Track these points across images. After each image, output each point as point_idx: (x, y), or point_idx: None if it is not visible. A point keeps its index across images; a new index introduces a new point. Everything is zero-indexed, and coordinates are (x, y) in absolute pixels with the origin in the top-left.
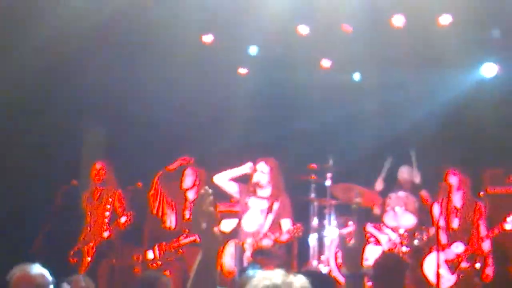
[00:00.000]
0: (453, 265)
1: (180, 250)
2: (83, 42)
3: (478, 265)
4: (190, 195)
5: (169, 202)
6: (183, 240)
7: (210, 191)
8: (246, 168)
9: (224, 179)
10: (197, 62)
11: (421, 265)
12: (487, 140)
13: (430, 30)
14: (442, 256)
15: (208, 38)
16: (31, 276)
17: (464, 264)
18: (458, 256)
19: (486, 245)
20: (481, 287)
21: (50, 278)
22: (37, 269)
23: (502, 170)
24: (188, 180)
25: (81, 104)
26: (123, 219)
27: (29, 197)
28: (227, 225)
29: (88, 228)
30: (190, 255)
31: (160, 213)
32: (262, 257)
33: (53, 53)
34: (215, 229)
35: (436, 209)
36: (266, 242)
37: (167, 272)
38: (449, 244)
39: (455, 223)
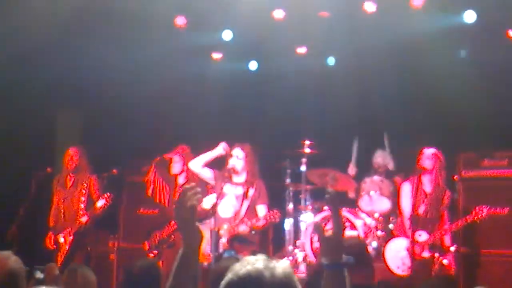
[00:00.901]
0: (413, 254)
1: (172, 236)
2: (56, 25)
3: (445, 261)
4: (180, 179)
5: (166, 189)
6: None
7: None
8: (220, 149)
9: (199, 165)
10: (170, 46)
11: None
12: (461, 124)
13: (402, 14)
14: (405, 243)
15: (181, 21)
16: (3, 263)
17: (425, 254)
18: (419, 244)
19: (448, 239)
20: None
21: (22, 265)
22: (9, 256)
23: (477, 154)
24: (176, 166)
25: (55, 88)
26: (100, 203)
27: (2, 184)
28: (207, 202)
29: (62, 216)
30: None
31: (159, 199)
32: (238, 243)
33: (26, 36)
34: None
35: (406, 190)
36: (242, 228)
37: (160, 262)
38: (413, 232)
39: (421, 210)
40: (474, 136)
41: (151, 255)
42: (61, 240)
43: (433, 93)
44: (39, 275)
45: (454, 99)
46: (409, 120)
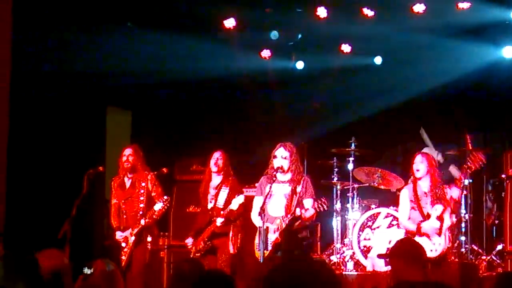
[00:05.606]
0: None
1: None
2: (106, 23)
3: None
4: (215, 181)
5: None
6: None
7: None
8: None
9: (256, 214)
10: (220, 45)
11: None
12: (508, 122)
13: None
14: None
15: (229, 23)
16: (47, 260)
17: None
18: None
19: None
20: None
21: (66, 262)
22: (53, 253)
23: None
24: (215, 164)
25: (104, 87)
26: (158, 206)
27: (55, 183)
28: (235, 203)
29: (124, 217)
30: (221, 244)
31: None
32: (293, 229)
33: (75, 34)
34: None
35: (404, 195)
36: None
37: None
38: None
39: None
40: None
41: (197, 255)
42: (122, 240)
43: (479, 91)
44: (87, 271)
45: (501, 96)
46: (455, 119)
